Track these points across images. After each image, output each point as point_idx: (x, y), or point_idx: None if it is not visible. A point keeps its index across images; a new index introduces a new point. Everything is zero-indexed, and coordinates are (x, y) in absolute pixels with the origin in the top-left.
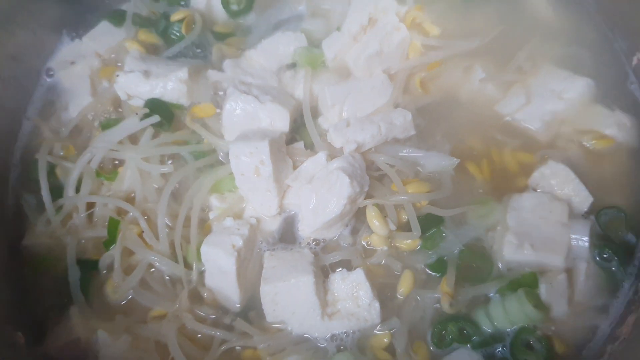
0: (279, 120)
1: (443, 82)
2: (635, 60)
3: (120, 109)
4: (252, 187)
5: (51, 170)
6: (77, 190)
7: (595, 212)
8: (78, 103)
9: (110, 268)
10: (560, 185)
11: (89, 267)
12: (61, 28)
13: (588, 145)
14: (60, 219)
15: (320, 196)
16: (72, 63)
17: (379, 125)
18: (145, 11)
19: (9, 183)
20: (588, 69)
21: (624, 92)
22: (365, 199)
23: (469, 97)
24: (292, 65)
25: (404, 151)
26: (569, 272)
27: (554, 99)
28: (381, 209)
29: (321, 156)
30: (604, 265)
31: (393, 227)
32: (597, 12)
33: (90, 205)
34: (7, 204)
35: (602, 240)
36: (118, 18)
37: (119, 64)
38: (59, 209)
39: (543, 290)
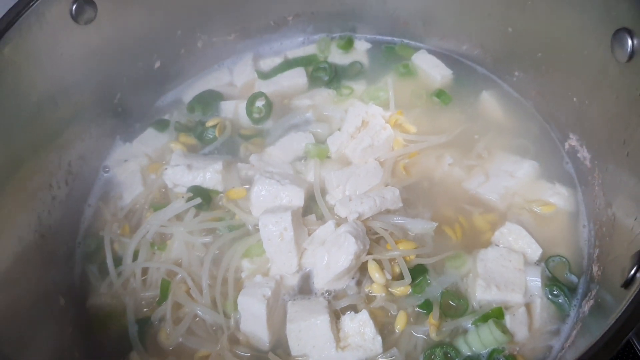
0: (296, 198)
1: (421, 167)
2: (567, 146)
3: (164, 196)
4: (276, 250)
5: (110, 245)
6: (134, 259)
7: (545, 259)
8: (131, 192)
9: (162, 319)
10: (515, 240)
11: (144, 321)
12: (115, 134)
13: (537, 210)
14: (121, 282)
15: (331, 254)
16: (125, 161)
17: (374, 199)
18: (184, 120)
19: (75, 256)
20: (532, 154)
21: (560, 169)
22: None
23: (441, 178)
24: (304, 157)
25: (395, 219)
26: (528, 305)
27: (507, 177)
28: (379, 263)
29: (330, 224)
30: (554, 300)
31: (389, 276)
32: (536, 111)
33: (145, 271)
34: (74, 273)
35: (551, 281)
36: (162, 126)
37: (164, 161)
38: (119, 275)
39: (508, 320)
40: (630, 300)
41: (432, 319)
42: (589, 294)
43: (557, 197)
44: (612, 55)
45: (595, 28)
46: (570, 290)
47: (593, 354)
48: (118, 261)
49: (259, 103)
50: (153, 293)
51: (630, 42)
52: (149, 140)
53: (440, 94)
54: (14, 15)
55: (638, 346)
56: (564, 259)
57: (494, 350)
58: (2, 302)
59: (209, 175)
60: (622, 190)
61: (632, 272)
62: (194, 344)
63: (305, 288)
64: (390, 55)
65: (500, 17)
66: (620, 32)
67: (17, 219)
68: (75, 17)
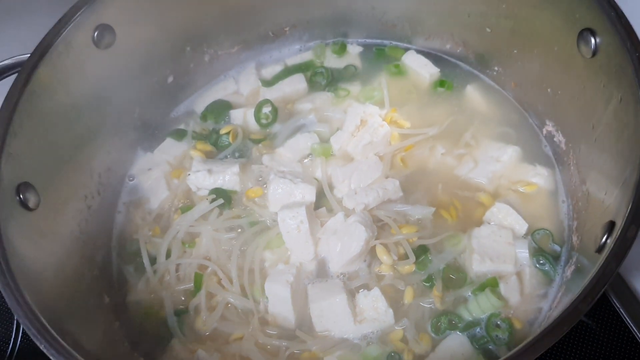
0: (308, 195)
1: (416, 158)
2: (545, 131)
3: (189, 198)
4: (295, 241)
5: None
6: (167, 257)
7: (531, 233)
8: (157, 197)
9: (197, 309)
10: (504, 218)
11: (181, 311)
12: (137, 146)
13: (521, 190)
14: (157, 279)
15: (344, 242)
16: (149, 169)
17: (378, 191)
18: (197, 128)
19: (112, 259)
20: (515, 140)
21: (540, 152)
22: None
23: (435, 167)
24: (310, 155)
25: (397, 207)
26: (518, 274)
27: (494, 162)
28: (385, 246)
29: (340, 215)
30: (541, 268)
31: (395, 257)
32: (516, 102)
33: (177, 267)
34: (112, 273)
35: (538, 251)
36: (179, 135)
37: (184, 167)
38: (154, 272)
39: (502, 288)
40: (602, 262)
41: (436, 291)
42: (570, 261)
43: (538, 177)
44: (578, 52)
45: (563, 28)
46: (554, 258)
47: (574, 307)
48: (152, 260)
49: (266, 109)
50: (187, 286)
51: (593, 40)
52: (169, 149)
53: (442, 83)
54: (46, 45)
55: (616, 303)
56: (548, 232)
57: (491, 315)
58: (58, 302)
59: (228, 177)
60: (593, 169)
61: (603, 239)
62: (228, 328)
63: (322, 272)
64: (381, 57)
65: (479, 18)
66: (585, 32)
67: (61, 229)
68: (97, 43)
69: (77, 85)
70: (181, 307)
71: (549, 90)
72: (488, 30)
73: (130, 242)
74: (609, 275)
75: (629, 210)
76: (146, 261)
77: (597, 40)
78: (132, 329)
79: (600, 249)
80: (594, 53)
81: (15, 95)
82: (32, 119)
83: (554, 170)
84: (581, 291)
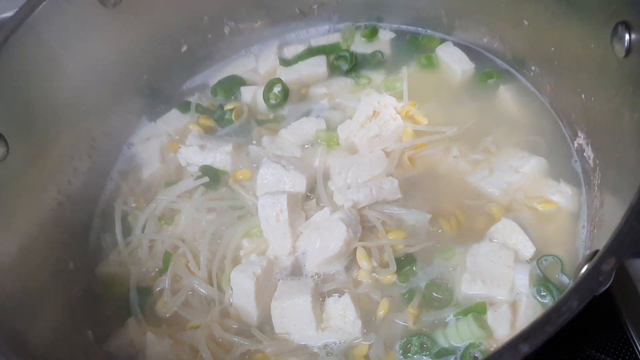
0: (298, 184)
1: (427, 158)
2: (576, 144)
3: (179, 174)
4: (272, 230)
5: (125, 216)
6: (143, 231)
7: (537, 258)
8: (150, 168)
9: (161, 290)
10: (509, 236)
11: (146, 290)
12: (142, 114)
13: (538, 207)
14: (129, 252)
15: (323, 239)
16: (148, 139)
17: (371, 188)
18: (206, 102)
19: (92, 225)
20: (543, 151)
21: (568, 167)
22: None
23: (445, 170)
24: (313, 142)
25: (390, 209)
26: (514, 303)
27: (512, 172)
28: (368, 250)
29: (326, 210)
30: (541, 300)
31: (375, 264)
32: (551, 108)
33: (152, 243)
34: (89, 240)
35: (541, 280)
36: (185, 107)
37: (184, 142)
38: (127, 244)
39: (490, 315)
40: (563, 297)
41: (411, 308)
42: None
43: (560, 196)
44: (612, 49)
45: (600, 21)
46: (559, 291)
47: (513, 346)
48: (129, 233)
49: (276, 89)
50: (157, 264)
51: (627, 36)
52: (172, 121)
53: (490, 74)
54: None
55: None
56: (557, 259)
57: (470, 345)
58: (12, 256)
59: (219, 156)
60: (610, 192)
61: (582, 270)
62: (188, 314)
63: (297, 270)
64: (413, 46)
65: (516, 9)
66: (620, 26)
67: (31, 185)
68: (102, 1)
69: (78, 44)
70: (146, 285)
71: (582, 95)
72: (526, 22)
73: (113, 210)
74: (566, 314)
75: (612, 237)
76: (118, 231)
77: (632, 36)
78: (91, 302)
79: None
80: (628, 52)
81: None
82: (12, 68)
83: (580, 189)
84: (527, 328)
